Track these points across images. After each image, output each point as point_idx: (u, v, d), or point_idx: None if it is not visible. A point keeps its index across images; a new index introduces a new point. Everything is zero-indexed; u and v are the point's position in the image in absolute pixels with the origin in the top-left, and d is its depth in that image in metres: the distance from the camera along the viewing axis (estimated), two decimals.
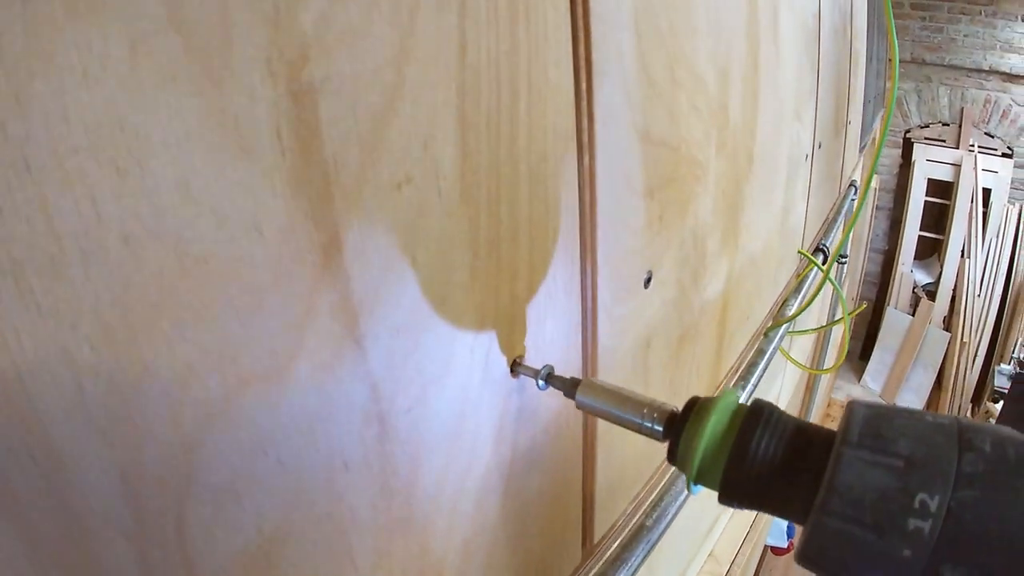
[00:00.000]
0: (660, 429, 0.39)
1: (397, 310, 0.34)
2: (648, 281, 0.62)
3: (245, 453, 0.29)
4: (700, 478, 0.36)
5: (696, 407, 0.38)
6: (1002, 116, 5.26)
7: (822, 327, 2.07)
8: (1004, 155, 5.31)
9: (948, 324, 5.39)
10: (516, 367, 0.45)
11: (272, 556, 0.31)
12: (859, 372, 5.51)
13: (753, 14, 0.82)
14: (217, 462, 0.28)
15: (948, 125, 5.41)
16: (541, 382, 0.45)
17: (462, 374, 0.40)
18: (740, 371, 1.04)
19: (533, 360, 0.46)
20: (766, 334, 1.19)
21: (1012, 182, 5.31)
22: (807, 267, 1.47)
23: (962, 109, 5.34)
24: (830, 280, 1.30)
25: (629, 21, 0.50)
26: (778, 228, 1.20)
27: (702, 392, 0.70)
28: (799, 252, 1.46)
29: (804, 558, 0.31)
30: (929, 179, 5.45)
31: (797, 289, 1.40)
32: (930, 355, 5.33)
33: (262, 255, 0.27)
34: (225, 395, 0.27)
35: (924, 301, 5.44)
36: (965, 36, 5.13)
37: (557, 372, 0.47)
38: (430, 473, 0.39)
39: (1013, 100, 5.19)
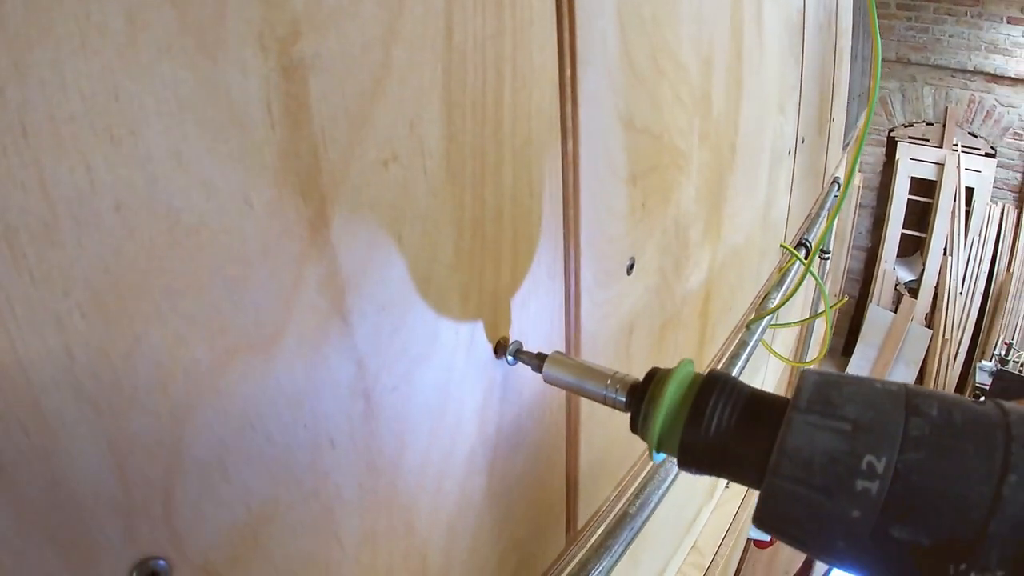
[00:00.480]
0: (623, 400, 0.41)
1: (383, 287, 0.35)
2: (631, 268, 0.63)
3: (233, 426, 0.29)
4: (661, 445, 0.38)
5: (656, 377, 0.39)
6: (986, 116, 5.33)
7: (804, 320, 2.09)
8: (987, 155, 5.39)
9: (930, 321, 5.46)
10: (500, 349, 0.46)
11: (259, 534, 0.32)
12: (842, 368, 5.57)
13: (737, 5, 0.83)
14: (205, 434, 0.28)
15: (932, 124, 5.48)
16: (510, 358, 0.46)
17: (447, 353, 0.41)
18: (723, 362, 1.06)
19: (526, 346, 0.47)
20: (748, 326, 1.20)
21: (995, 181, 5.39)
22: (789, 261, 1.49)
23: (946, 109, 5.41)
24: (811, 273, 1.32)
25: (612, 9, 0.51)
26: (760, 221, 1.22)
27: None
28: (781, 246, 1.48)
29: (760, 521, 0.32)
30: (912, 177, 5.51)
31: (779, 283, 1.42)
32: (912, 351, 5.40)
33: (251, 227, 0.27)
34: (213, 366, 0.28)
35: (906, 298, 5.51)
36: (950, 37, 5.19)
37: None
38: (415, 451, 0.40)
39: (997, 100, 5.26)
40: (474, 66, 0.37)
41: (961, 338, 5.30)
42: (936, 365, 5.25)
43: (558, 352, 0.45)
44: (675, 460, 0.37)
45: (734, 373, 1.05)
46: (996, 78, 5.18)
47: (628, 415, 0.41)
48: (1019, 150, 5.32)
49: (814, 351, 2.77)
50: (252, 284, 0.28)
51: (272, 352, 0.30)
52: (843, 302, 1.54)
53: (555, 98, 0.46)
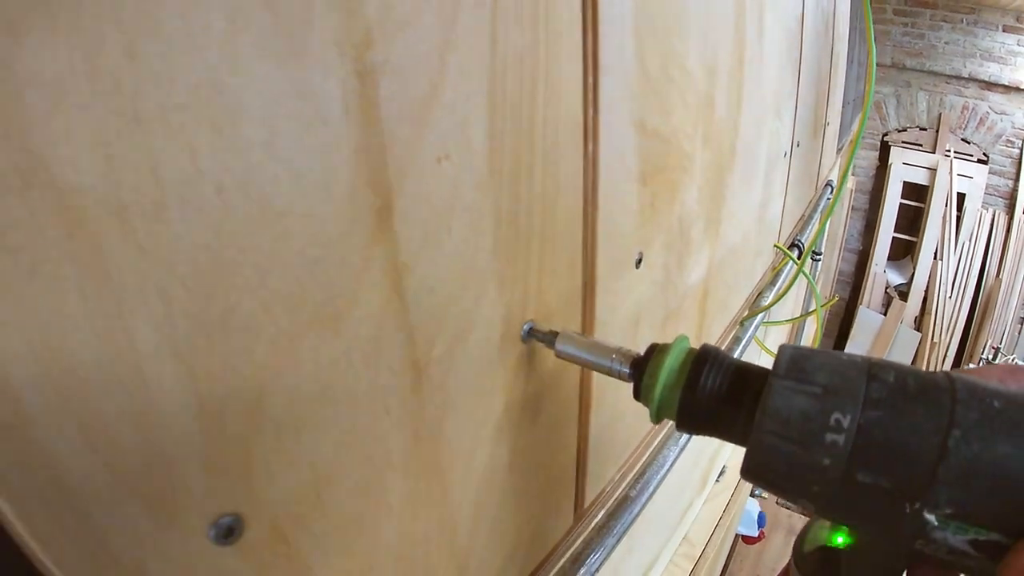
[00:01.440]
0: (627, 371, 0.46)
1: (434, 271, 0.38)
2: (639, 262, 0.67)
3: (306, 391, 0.33)
4: (660, 409, 0.43)
5: (656, 350, 0.44)
6: (979, 123, 5.41)
7: (796, 318, 2.14)
8: (979, 161, 5.46)
9: (919, 324, 5.54)
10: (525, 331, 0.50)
11: (322, 494, 0.35)
12: None
13: (740, 14, 0.87)
14: (282, 398, 0.32)
15: (925, 130, 5.55)
16: (524, 335, 0.51)
17: (482, 333, 0.45)
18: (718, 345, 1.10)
19: (541, 325, 0.51)
20: (742, 323, 1.25)
21: (986, 188, 5.46)
22: (783, 261, 1.53)
23: (940, 115, 5.48)
24: (804, 273, 1.36)
25: (630, 20, 0.55)
26: (756, 221, 1.26)
27: None
28: (775, 246, 1.52)
29: (747, 472, 0.38)
30: (905, 182, 5.58)
31: (772, 282, 1.46)
32: (901, 354, 5.48)
33: (330, 213, 0.31)
34: (292, 336, 0.31)
35: (896, 301, 5.59)
36: (946, 43, 5.26)
37: None
38: (453, 422, 0.44)
39: (991, 108, 5.34)
40: (514, 74, 0.41)
41: (950, 342, 5.38)
42: (924, 368, 5.32)
43: (568, 329, 0.50)
44: (673, 423, 0.43)
45: None
46: (990, 85, 5.26)
47: (631, 389, 0.45)
48: (1011, 157, 5.40)
49: None
50: (328, 264, 0.32)
51: (341, 325, 0.33)
52: (834, 301, 1.59)
53: (579, 104, 0.50)
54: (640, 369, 0.44)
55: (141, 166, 0.24)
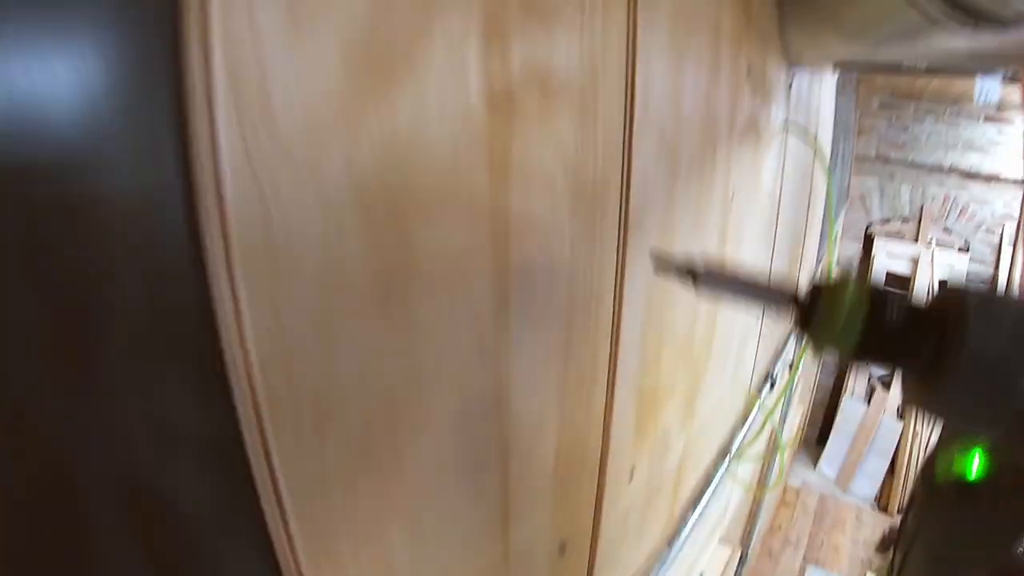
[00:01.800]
0: (785, 302, 0.52)
1: (524, 539, 0.71)
2: (631, 475, 0.99)
3: None
4: (838, 338, 0.48)
5: (826, 287, 0.50)
6: (960, 213, 5.69)
7: (764, 456, 2.35)
8: (960, 250, 5.74)
9: (902, 413, 5.74)
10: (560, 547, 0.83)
11: None
12: (815, 457, 5.83)
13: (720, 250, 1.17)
14: None
15: (908, 221, 5.84)
16: (558, 549, 0.82)
17: (537, 557, 0.77)
18: (691, 496, 1.39)
19: (571, 541, 0.84)
20: (715, 466, 1.51)
21: (967, 275, 5.72)
22: (752, 401, 1.78)
23: (922, 206, 5.78)
24: (771, 421, 1.63)
25: (639, 326, 0.88)
26: (728, 388, 1.54)
27: (661, 524, 1.07)
28: (746, 393, 1.78)
29: (928, 404, 0.43)
30: (888, 272, 5.84)
31: (743, 419, 1.72)
32: (883, 443, 5.67)
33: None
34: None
35: (879, 391, 5.80)
36: (929, 135, 5.56)
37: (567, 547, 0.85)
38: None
39: (971, 197, 5.63)
40: (572, 396, 0.74)
41: (931, 432, 5.59)
42: (907, 457, 5.52)
43: (710, 268, 0.58)
44: (839, 354, 0.49)
45: (698, 511, 1.38)
46: (971, 175, 5.54)
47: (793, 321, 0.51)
48: (991, 245, 5.66)
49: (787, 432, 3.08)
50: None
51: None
52: (800, 439, 1.78)
53: (602, 407, 0.83)
54: (809, 302, 0.50)
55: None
